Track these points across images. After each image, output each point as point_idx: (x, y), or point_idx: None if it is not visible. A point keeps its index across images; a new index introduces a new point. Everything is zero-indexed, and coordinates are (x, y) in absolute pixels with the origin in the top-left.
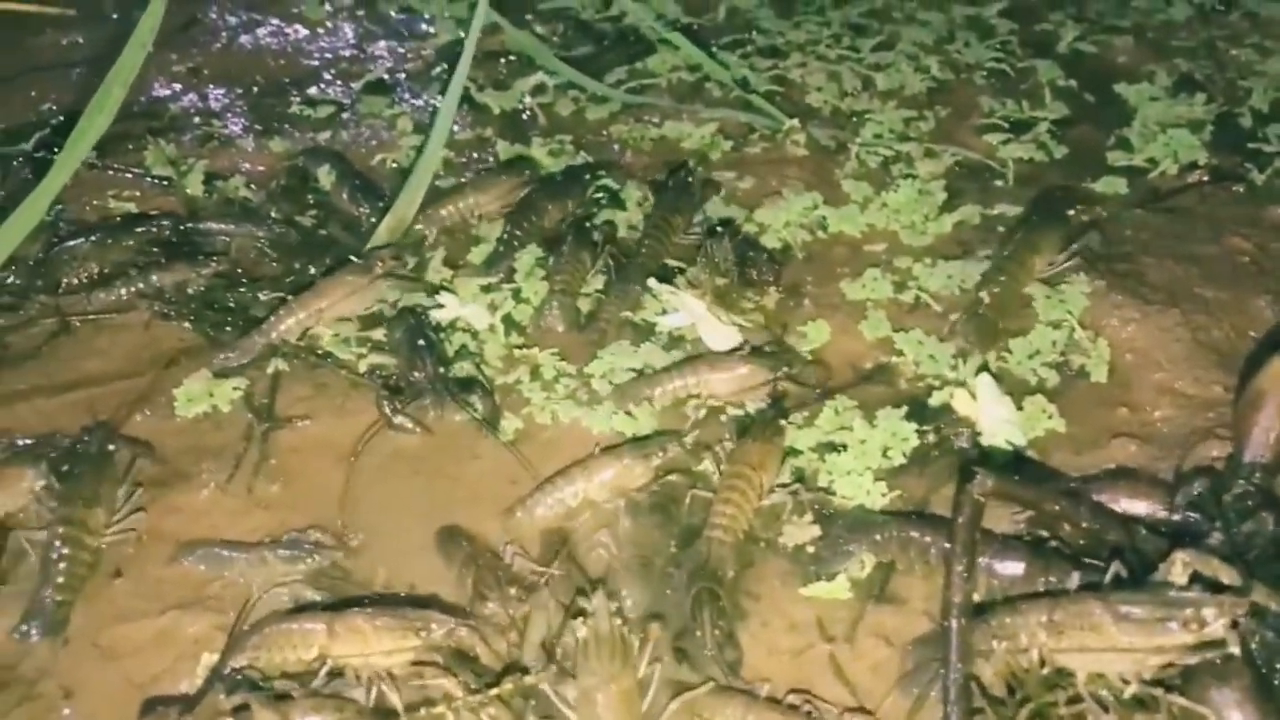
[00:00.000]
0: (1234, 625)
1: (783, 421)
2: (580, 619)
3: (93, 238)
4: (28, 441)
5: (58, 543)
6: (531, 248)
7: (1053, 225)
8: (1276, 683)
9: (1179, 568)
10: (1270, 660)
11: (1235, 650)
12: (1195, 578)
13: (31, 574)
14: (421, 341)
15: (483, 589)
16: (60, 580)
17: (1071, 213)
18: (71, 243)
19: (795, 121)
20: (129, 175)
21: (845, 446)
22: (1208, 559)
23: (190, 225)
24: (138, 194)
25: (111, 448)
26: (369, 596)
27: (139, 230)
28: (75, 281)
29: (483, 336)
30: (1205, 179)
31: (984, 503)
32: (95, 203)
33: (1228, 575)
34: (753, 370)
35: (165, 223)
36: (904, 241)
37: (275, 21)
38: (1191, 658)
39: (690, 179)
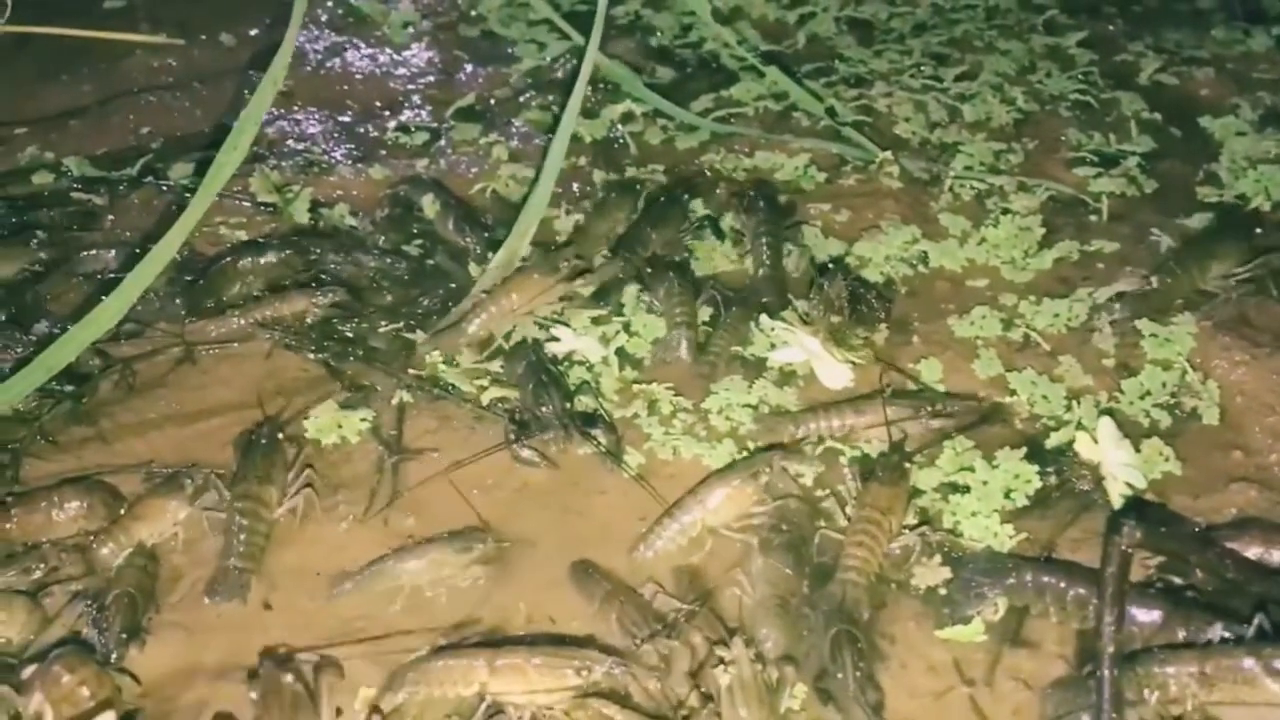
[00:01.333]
0: None
1: (907, 464)
2: (722, 666)
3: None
4: (167, 470)
5: (238, 516)
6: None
7: (1237, 237)
8: None
9: None
10: None
11: None
12: None
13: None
14: (544, 375)
15: (629, 627)
16: (242, 550)
17: (1258, 231)
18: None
19: (888, 154)
20: (236, 202)
21: (968, 488)
22: None
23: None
24: (245, 221)
25: (280, 436)
26: (524, 635)
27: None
28: (211, 306)
29: (598, 370)
30: None
31: (1132, 554)
32: (205, 229)
33: None
34: (899, 412)
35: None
36: (1006, 277)
37: (361, 45)
38: None
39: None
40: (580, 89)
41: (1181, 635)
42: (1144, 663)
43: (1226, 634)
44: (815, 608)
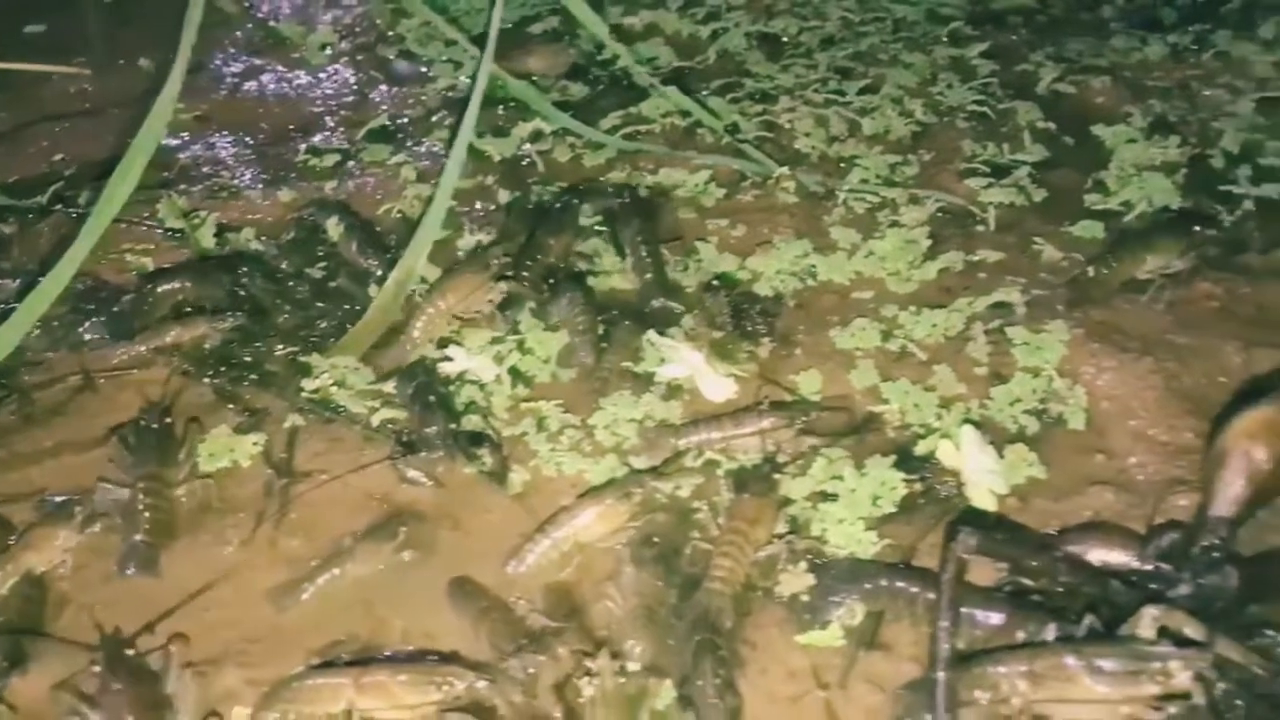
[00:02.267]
0: (1198, 678)
1: (776, 476)
2: (587, 679)
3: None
4: (59, 499)
5: (142, 495)
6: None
7: (1174, 231)
8: None
9: (1148, 622)
10: (1231, 708)
11: (1200, 701)
12: (1163, 631)
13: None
14: (431, 396)
15: (498, 643)
16: (149, 526)
17: (1196, 229)
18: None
19: (785, 169)
20: (143, 229)
21: (837, 496)
22: (1174, 613)
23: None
24: (152, 247)
25: (169, 419)
26: (392, 652)
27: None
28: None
29: (489, 388)
30: None
31: (968, 560)
32: (111, 257)
33: (1193, 629)
34: (776, 423)
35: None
36: (890, 289)
37: (278, 67)
38: (1159, 708)
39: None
40: (474, 108)
41: (1021, 636)
42: (979, 663)
43: (1060, 634)
44: (681, 617)
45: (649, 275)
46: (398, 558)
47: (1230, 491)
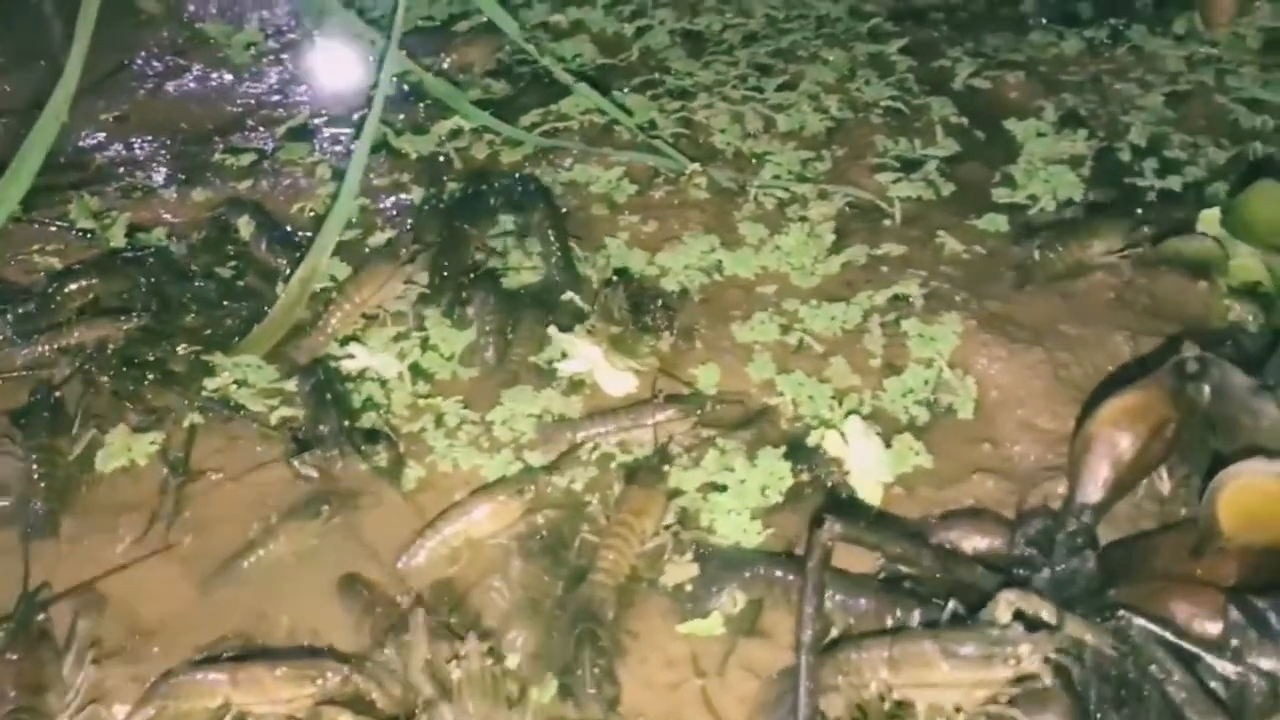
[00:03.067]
0: (1047, 660)
1: (665, 468)
2: (454, 661)
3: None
4: None
5: (35, 465)
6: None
7: (1120, 218)
8: (1091, 707)
9: (1003, 606)
10: (1086, 686)
11: (1048, 682)
12: (1019, 615)
13: None
14: (328, 394)
15: (378, 636)
16: (44, 492)
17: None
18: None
19: (697, 165)
20: (53, 229)
21: (727, 487)
22: (1030, 597)
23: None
24: (62, 248)
25: (58, 395)
26: (272, 647)
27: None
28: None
29: (390, 385)
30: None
31: (832, 547)
32: (20, 257)
33: (1047, 612)
34: (671, 416)
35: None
36: (793, 283)
37: (201, 67)
38: (1014, 689)
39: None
40: (378, 104)
41: (889, 621)
42: (843, 648)
43: (925, 620)
44: (565, 609)
45: (555, 261)
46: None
47: (1095, 477)
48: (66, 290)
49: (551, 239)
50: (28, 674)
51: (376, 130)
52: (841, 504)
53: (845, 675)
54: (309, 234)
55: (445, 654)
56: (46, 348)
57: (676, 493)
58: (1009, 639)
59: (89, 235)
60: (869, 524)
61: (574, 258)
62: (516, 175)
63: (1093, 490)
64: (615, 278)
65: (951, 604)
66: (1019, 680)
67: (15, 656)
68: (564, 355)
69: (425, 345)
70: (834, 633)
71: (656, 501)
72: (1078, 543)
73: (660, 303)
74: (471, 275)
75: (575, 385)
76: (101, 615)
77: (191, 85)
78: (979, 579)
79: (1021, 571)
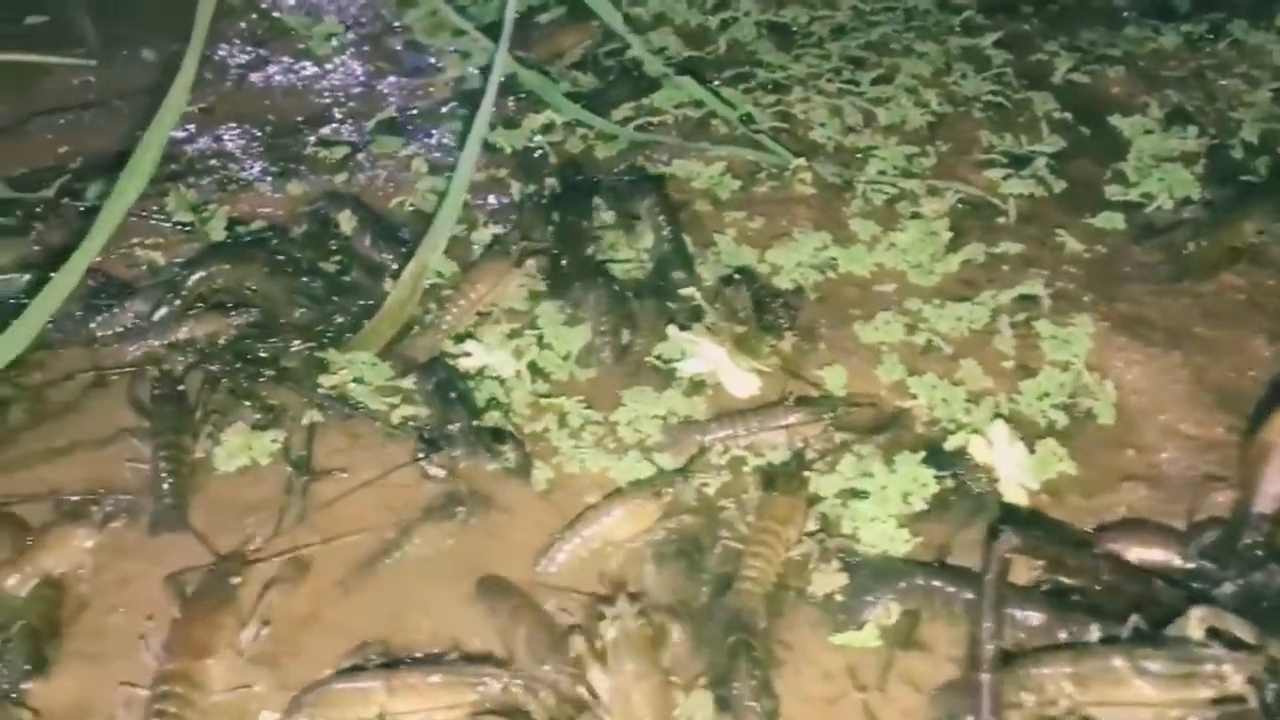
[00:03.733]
0: (1251, 681)
1: (806, 474)
2: (606, 622)
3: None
4: (75, 498)
5: (163, 461)
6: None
7: (1271, 196)
8: None
9: (1195, 623)
10: None
11: (1254, 704)
12: (1211, 632)
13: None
14: (453, 392)
15: (532, 643)
16: (171, 488)
17: None
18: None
19: (802, 160)
20: (152, 222)
21: (867, 493)
22: (1223, 615)
23: None
24: (161, 241)
25: (181, 389)
26: (421, 654)
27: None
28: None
29: (509, 384)
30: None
31: (1011, 560)
32: (120, 251)
33: (1243, 631)
34: (802, 418)
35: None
36: (912, 281)
37: (284, 58)
38: (1211, 711)
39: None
40: (488, 101)
41: (1063, 636)
42: (1023, 664)
43: (1103, 634)
44: (711, 617)
45: (669, 248)
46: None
47: (1273, 488)
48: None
49: (664, 225)
50: (198, 636)
51: (471, 123)
52: (1013, 515)
53: (1029, 692)
54: (409, 229)
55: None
56: (156, 342)
57: (815, 499)
58: (1210, 657)
59: (188, 228)
60: (1046, 535)
61: (684, 239)
62: (623, 166)
63: (1270, 501)
64: (737, 276)
65: (1134, 619)
66: (1218, 701)
67: (193, 614)
68: (682, 354)
69: (540, 343)
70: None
71: (799, 508)
72: (1259, 556)
73: (782, 301)
74: (579, 275)
75: (696, 386)
76: (297, 588)
77: (276, 77)
78: (1159, 594)
79: (1199, 585)
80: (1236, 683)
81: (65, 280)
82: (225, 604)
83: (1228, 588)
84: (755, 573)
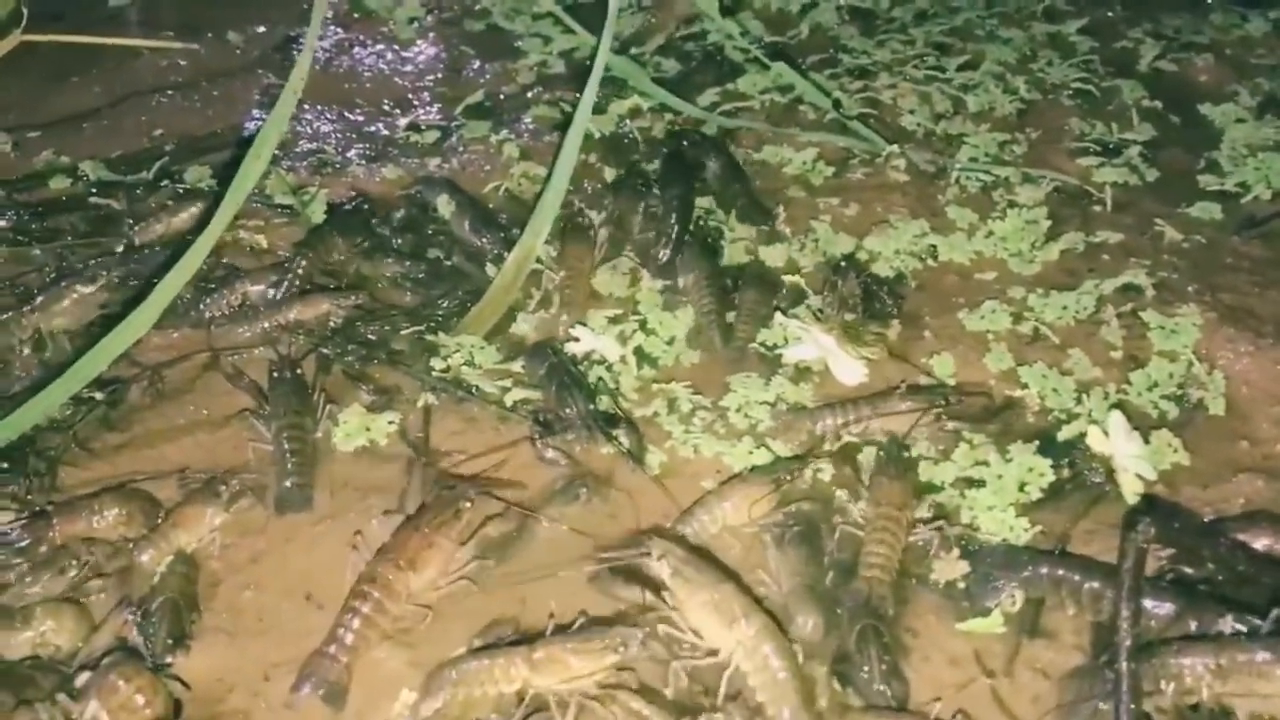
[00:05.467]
0: None
1: (909, 456)
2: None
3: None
4: (202, 476)
5: (285, 442)
6: (651, 280)
7: None
8: None
9: None
10: None
11: None
12: None
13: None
14: (566, 376)
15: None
16: (296, 468)
17: None
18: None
19: (895, 146)
20: (254, 205)
21: (983, 482)
22: None
23: None
24: (262, 223)
25: (298, 369)
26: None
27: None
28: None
29: (616, 369)
30: None
31: (1147, 549)
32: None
33: None
34: (914, 406)
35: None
36: (1013, 270)
37: (368, 41)
38: None
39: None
40: (592, 87)
41: (1193, 627)
42: (1160, 654)
43: (1238, 626)
44: (842, 603)
45: (741, 203)
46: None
47: None
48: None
49: (730, 176)
50: (414, 548)
51: (558, 108)
52: (1153, 505)
53: (1168, 681)
54: (505, 213)
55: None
56: (266, 324)
57: (931, 488)
58: None
59: (289, 211)
60: (1183, 526)
61: (757, 195)
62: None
63: None
64: (844, 263)
65: (1276, 612)
66: None
67: (416, 528)
68: (786, 341)
69: (644, 328)
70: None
71: (911, 492)
72: None
73: (888, 288)
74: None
75: (802, 373)
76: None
77: (362, 59)
78: None
79: None
80: None
81: (191, 261)
82: (448, 525)
83: None
84: (880, 559)
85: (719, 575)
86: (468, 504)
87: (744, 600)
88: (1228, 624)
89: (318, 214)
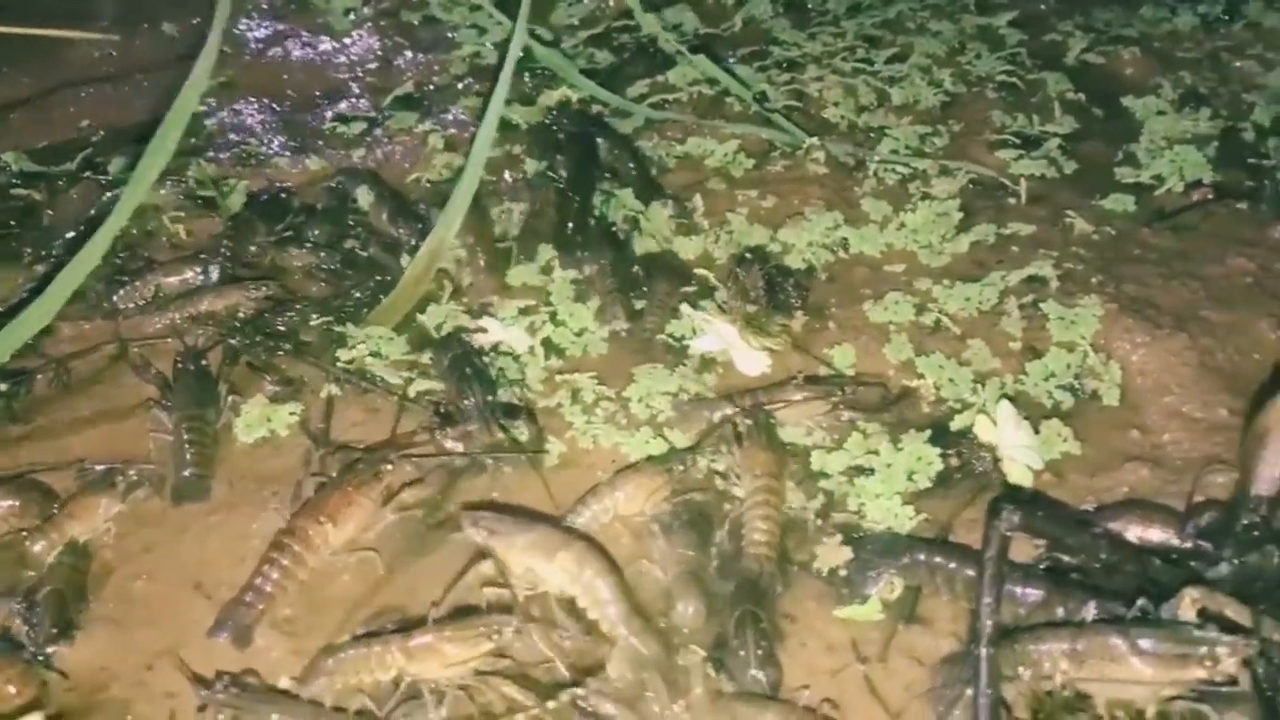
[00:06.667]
0: (1245, 663)
1: (774, 423)
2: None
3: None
4: (100, 467)
5: (185, 433)
6: (562, 270)
7: None
8: None
9: (1188, 604)
10: (1276, 688)
11: (1245, 685)
12: (1203, 613)
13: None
14: (469, 368)
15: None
16: (195, 458)
17: None
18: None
19: (815, 139)
20: (172, 196)
21: (873, 470)
22: (1215, 596)
23: None
24: (181, 215)
25: (204, 362)
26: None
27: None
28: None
29: (524, 360)
30: (1209, 197)
31: (1010, 538)
32: (138, 222)
33: (1236, 612)
34: (809, 397)
35: None
36: (922, 262)
37: (303, 33)
38: (1204, 689)
39: None
40: (505, 78)
41: (1060, 613)
42: (1021, 640)
43: (1099, 613)
44: (727, 582)
45: (636, 180)
46: None
47: (1271, 470)
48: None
49: (628, 161)
50: (334, 503)
51: (487, 99)
52: (1015, 493)
53: (1025, 667)
54: (425, 204)
55: None
56: (177, 315)
57: (822, 475)
58: (1206, 639)
59: (208, 202)
60: (1046, 514)
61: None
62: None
63: (1268, 483)
64: (749, 255)
65: (1141, 602)
66: (1210, 681)
67: (338, 485)
68: (694, 332)
69: (554, 320)
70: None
71: (784, 459)
72: (1255, 536)
73: (793, 280)
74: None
75: (707, 363)
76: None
77: (295, 51)
78: (1157, 573)
79: (1196, 564)
80: (1230, 665)
81: (90, 254)
82: (369, 484)
83: (1224, 568)
84: (764, 534)
85: (529, 520)
86: (388, 466)
87: (559, 534)
88: (1090, 610)
89: (237, 205)
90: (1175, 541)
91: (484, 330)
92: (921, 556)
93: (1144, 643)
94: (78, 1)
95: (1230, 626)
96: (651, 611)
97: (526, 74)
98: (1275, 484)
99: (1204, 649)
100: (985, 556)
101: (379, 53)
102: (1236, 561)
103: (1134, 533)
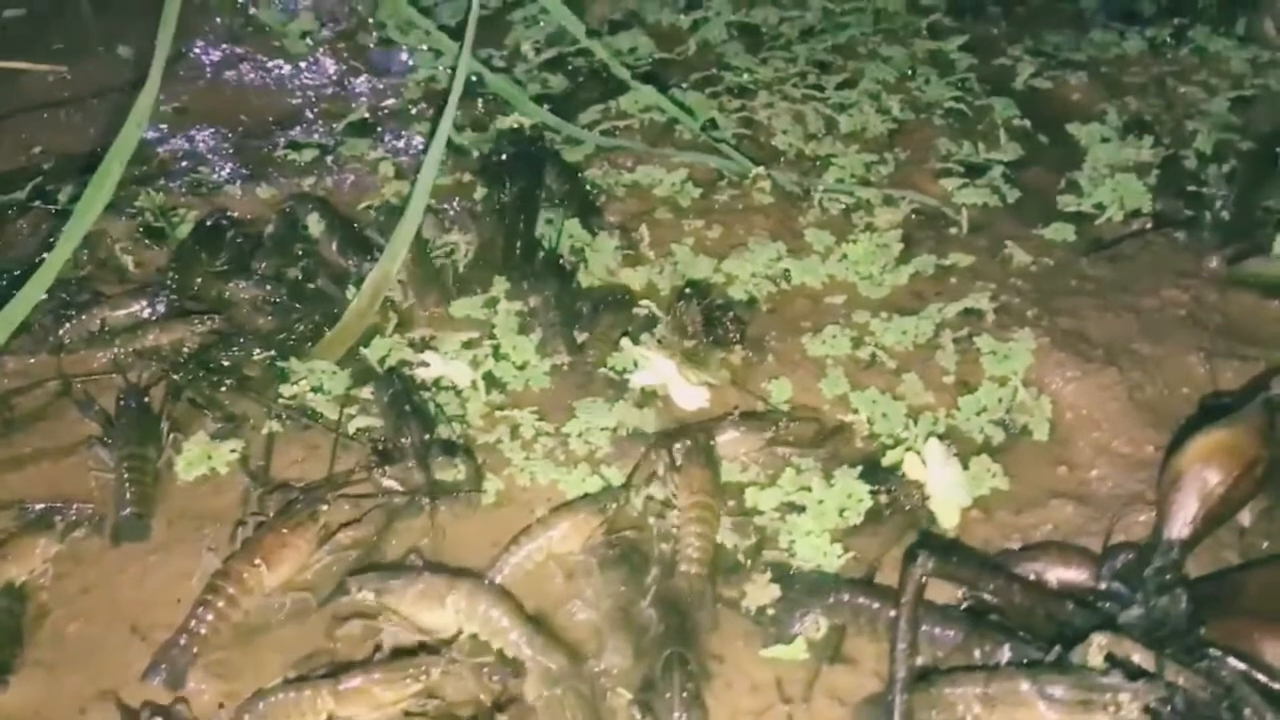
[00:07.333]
0: (1147, 710)
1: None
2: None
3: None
4: (39, 507)
5: (126, 472)
6: (508, 303)
7: None
8: None
9: (1095, 650)
10: None
11: None
12: (1111, 658)
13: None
14: (407, 405)
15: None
16: (135, 498)
17: None
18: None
19: (761, 169)
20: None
21: (804, 508)
22: (1122, 641)
23: None
24: (129, 245)
25: (146, 399)
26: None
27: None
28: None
29: (465, 394)
30: (1147, 226)
31: (925, 583)
32: (86, 253)
33: (1141, 657)
34: (745, 433)
35: None
36: (862, 294)
37: (258, 56)
38: None
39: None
40: (451, 107)
41: (978, 655)
42: (936, 683)
43: (1013, 656)
44: (657, 608)
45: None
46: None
47: (1184, 513)
48: None
49: (565, 183)
50: (269, 545)
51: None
52: (932, 537)
53: (940, 711)
54: (376, 232)
55: None
56: (121, 351)
57: (755, 512)
58: (1110, 685)
59: (156, 233)
60: (961, 559)
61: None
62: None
63: (1181, 526)
64: (688, 290)
65: (1058, 649)
66: None
67: (273, 526)
68: (635, 366)
69: (497, 354)
70: (919, 663)
71: (716, 478)
72: (1166, 580)
73: (732, 315)
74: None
75: (648, 397)
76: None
77: (249, 76)
78: (1071, 616)
79: (1109, 606)
80: (1132, 712)
81: (33, 289)
82: (304, 526)
83: (1135, 612)
84: (697, 551)
85: (414, 572)
86: (324, 506)
87: (443, 579)
88: (1004, 654)
89: (186, 235)
90: (1091, 584)
91: (426, 364)
92: (846, 597)
93: (1051, 689)
94: (32, 23)
95: (1136, 672)
96: (581, 651)
97: (480, 99)
98: (1188, 527)
99: (1108, 695)
100: (900, 601)
101: (334, 77)
102: (1146, 605)
103: (1053, 574)
